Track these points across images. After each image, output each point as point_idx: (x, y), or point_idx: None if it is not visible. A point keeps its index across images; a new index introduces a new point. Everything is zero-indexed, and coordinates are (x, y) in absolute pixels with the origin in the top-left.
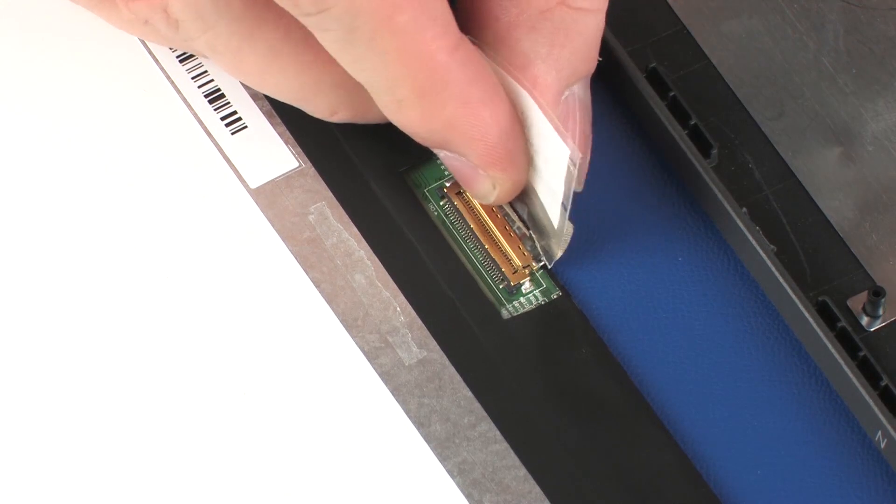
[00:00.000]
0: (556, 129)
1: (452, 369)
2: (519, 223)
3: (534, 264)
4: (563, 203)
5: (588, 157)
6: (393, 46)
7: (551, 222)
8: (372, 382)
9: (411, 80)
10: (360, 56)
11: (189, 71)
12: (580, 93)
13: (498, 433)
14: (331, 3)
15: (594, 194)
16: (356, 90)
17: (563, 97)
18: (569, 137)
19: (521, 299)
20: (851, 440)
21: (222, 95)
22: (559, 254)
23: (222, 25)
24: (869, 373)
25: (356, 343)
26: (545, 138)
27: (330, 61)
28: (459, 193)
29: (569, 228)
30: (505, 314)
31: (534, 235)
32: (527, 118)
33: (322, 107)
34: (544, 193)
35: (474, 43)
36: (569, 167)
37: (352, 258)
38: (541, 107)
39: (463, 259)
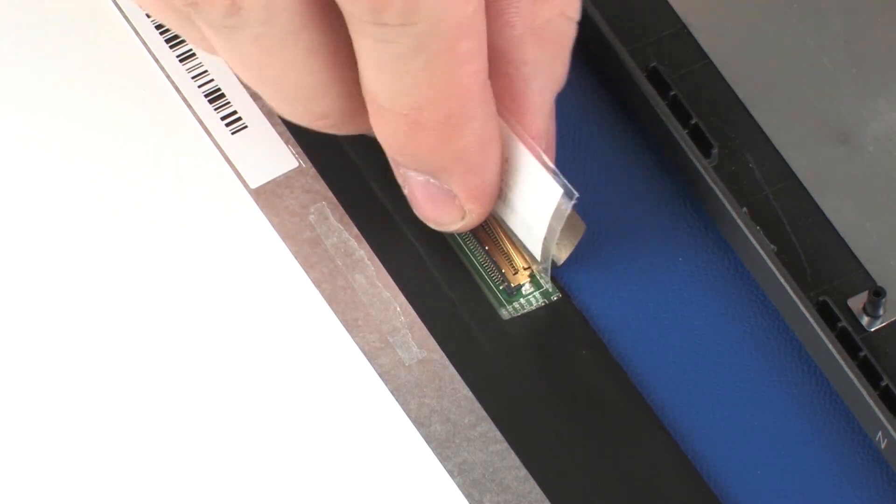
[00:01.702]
0: (549, 170)
1: (452, 369)
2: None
3: (534, 266)
4: (545, 238)
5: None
6: (446, 70)
7: (530, 253)
8: (372, 382)
9: (446, 106)
10: (410, 73)
11: (189, 71)
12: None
13: (498, 433)
14: (418, 19)
15: (594, 195)
16: (353, 99)
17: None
18: (561, 179)
19: (522, 300)
20: (851, 440)
21: (222, 95)
22: (564, 257)
23: (282, 18)
24: (869, 373)
25: (356, 343)
26: (531, 178)
27: (347, 67)
28: None
29: (581, 228)
30: (505, 315)
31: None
32: (510, 161)
33: (316, 110)
34: (519, 228)
35: None
36: (560, 206)
37: (352, 258)
38: (531, 149)
39: (463, 260)
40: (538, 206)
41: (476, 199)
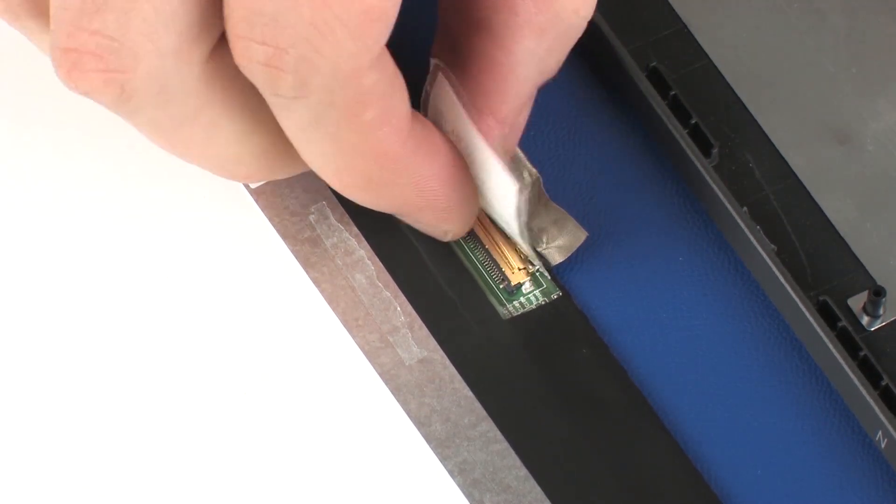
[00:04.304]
0: (504, 168)
1: (453, 369)
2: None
3: (531, 266)
4: (519, 232)
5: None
6: (352, 139)
7: (521, 246)
8: (372, 382)
9: (362, 170)
10: (318, 141)
11: None
12: None
13: (498, 433)
14: (310, 92)
15: (594, 194)
16: (276, 159)
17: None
18: (515, 173)
19: (522, 299)
20: (851, 440)
21: None
22: (559, 260)
23: (177, 100)
24: (869, 373)
25: (356, 343)
26: (495, 177)
27: (258, 132)
28: None
29: (580, 236)
30: (505, 314)
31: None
32: (475, 157)
33: (240, 174)
34: (502, 225)
35: (439, 67)
36: (518, 202)
37: (352, 258)
38: (492, 149)
39: (463, 259)
40: (505, 202)
41: (443, 221)
